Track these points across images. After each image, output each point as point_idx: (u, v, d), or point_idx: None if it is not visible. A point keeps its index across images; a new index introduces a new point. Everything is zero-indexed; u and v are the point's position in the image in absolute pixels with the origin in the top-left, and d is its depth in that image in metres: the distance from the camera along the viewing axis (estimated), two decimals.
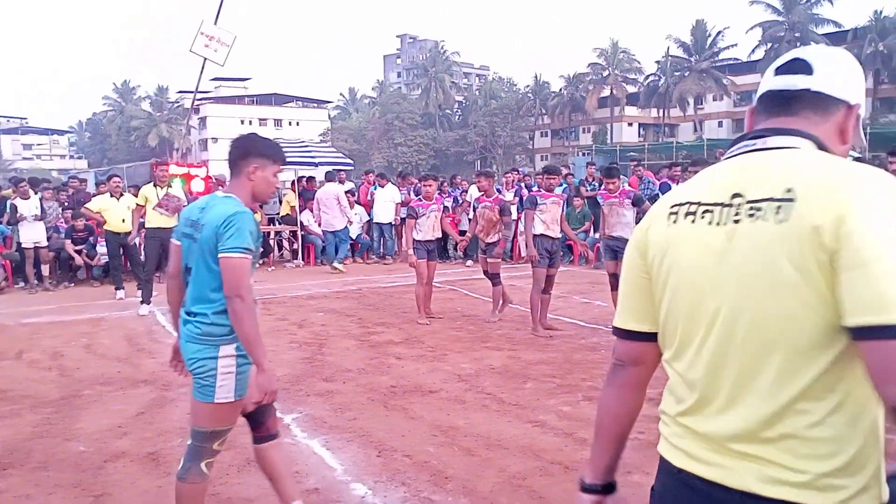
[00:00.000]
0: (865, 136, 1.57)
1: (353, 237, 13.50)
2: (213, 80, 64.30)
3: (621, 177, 7.96)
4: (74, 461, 3.96)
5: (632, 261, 1.41)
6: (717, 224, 1.22)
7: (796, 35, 48.16)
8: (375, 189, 13.94)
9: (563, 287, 8.77)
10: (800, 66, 1.30)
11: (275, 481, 2.98)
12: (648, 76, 58.17)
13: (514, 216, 12.00)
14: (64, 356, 6.48)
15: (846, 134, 1.30)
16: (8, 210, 10.71)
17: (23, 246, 10.74)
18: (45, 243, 10.97)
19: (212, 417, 2.71)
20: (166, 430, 4.42)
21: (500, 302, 7.97)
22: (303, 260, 13.54)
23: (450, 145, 61.88)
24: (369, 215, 13.99)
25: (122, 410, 4.83)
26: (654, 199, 10.07)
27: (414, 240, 7.77)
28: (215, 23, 12.02)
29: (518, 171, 15.08)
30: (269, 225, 13.46)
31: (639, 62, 58.92)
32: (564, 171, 12.78)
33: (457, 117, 69.55)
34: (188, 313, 2.73)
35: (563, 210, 7.42)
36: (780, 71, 1.33)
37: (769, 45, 49.67)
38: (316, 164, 13.93)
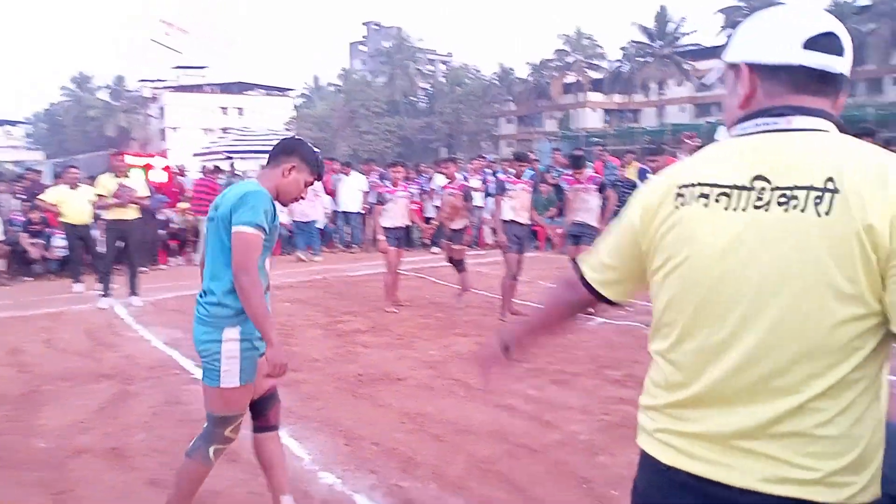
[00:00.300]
0: None
1: (320, 226, 13.39)
2: (173, 68, 63.07)
3: (587, 162, 8.02)
4: (36, 458, 3.88)
5: (629, 224, 1.32)
6: (736, 209, 1.14)
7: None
8: (340, 177, 13.83)
9: (529, 273, 8.80)
10: (835, 44, 1.19)
11: (268, 472, 2.97)
12: (612, 62, 58.51)
13: (480, 203, 12.02)
14: (23, 352, 6.33)
15: (839, 109, 1.23)
16: None
17: None
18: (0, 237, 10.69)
19: (219, 402, 2.72)
20: (129, 425, 4.35)
21: (460, 287, 8.02)
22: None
23: (415, 133, 61.59)
24: (335, 204, 13.88)
25: (84, 406, 4.73)
26: (616, 185, 10.17)
27: (382, 227, 7.74)
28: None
29: (484, 157, 15.09)
30: None
31: (602, 48, 59.25)
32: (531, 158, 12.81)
33: (422, 104, 69.24)
34: (201, 293, 2.74)
35: (531, 197, 7.45)
36: (813, 46, 1.18)
37: (731, 30, 50.29)
38: None
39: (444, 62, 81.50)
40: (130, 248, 8.43)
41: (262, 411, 2.94)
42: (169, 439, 4.09)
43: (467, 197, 7.92)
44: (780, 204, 1.08)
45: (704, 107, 56.20)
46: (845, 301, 1.03)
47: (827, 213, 1.03)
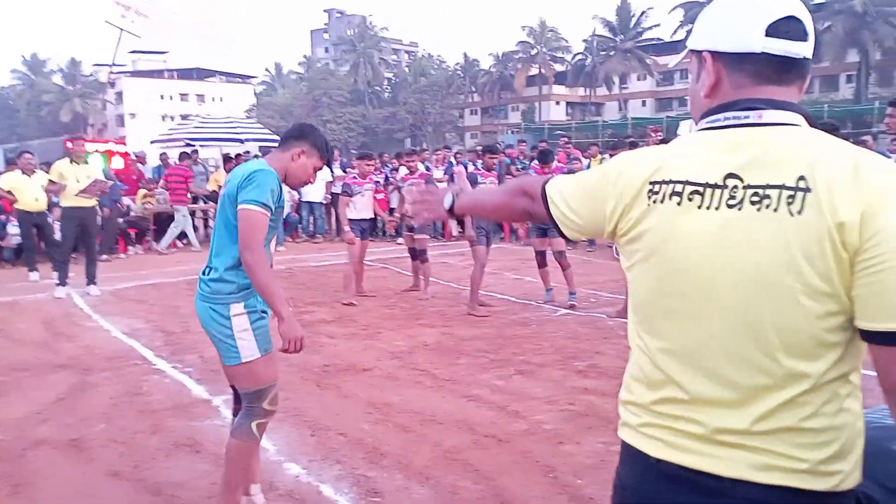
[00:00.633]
0: None
1: (283, 216, 13.25)
2: (130, 52, 61.59)
3: (553, 157, 8.08)
4: None
5: (602, 194, 1.30)
6: (709, 208, 1.13)
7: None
8: None
9: (494, 263, 8.85)
10: (797, 29, 1.16)
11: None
12: (576, 55, 58.93)
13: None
14: None
15: (801, 94, 1.22)
16: None
17: None
18: None
19: (248, 378, 2.72)
20: (88, 416, 4.26)
21: (424, 278, 8.03)
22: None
23: (379, 123, 61.26)
24: (298, 193, 13.74)
25: (42, 396, 4.62)
26: None
27: (347, 219, 7.68)
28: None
29: (449, 148, 15.08)
30: (195, 203, 13.06)
31: (566, 41, 59.63)
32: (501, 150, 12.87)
33: (386, 94, 68.87)
34: (205, 269, 2.73)
35: None
36: (775, 33, 1.16)
37: (691, 25, 50.94)
38: (242, 141, 13.59)
39: (408, 52, 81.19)
40: (88, 236, 8.23)
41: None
42: (129, 430, 4.02)
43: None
44: (752, 203, 1.08)
45: (666, 101, 57.02)
46: (821, 298, 1.04)
47: (799, 213, 1.04)
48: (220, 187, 13.19)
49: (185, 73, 69.13)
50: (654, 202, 1.20)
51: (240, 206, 2.59)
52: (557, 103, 61.00)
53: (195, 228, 13.05)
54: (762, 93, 1.16)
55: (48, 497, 3.25)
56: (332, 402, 4.44)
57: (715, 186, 1.13)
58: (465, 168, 10.85)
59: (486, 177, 7.27)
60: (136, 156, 14.09)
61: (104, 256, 11.10)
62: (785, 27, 1.15)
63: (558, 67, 59.55)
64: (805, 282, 1.04)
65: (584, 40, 57.66)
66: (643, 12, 55.63)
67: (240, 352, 2.68)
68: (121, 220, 11.99)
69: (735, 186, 1.11)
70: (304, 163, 2.80)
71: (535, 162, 8.47)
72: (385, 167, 14.27)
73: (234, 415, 2.98)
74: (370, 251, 8.64)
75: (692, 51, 1.29)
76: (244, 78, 75.24)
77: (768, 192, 1.07)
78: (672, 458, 1.18)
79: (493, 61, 61.42)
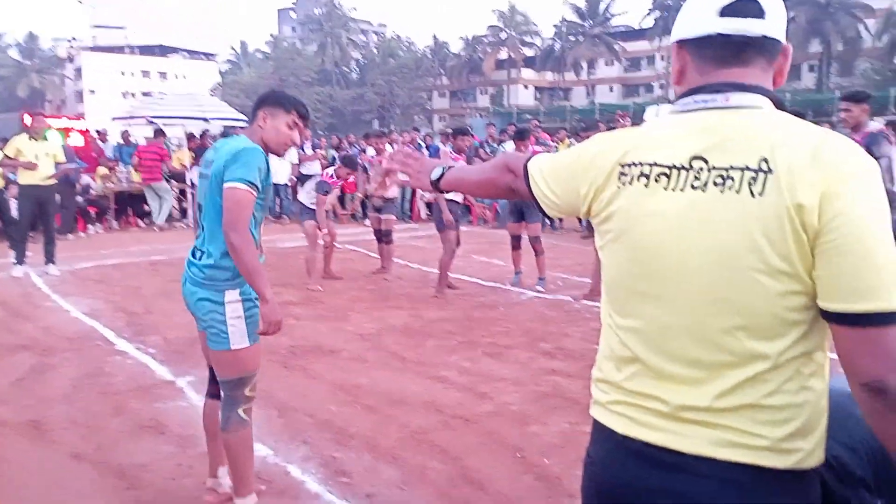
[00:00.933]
0: None
1: None
2: (90, 27, 59.91)
3: (530, 135, 8.08)
4: None
5: (576, 176, 1.32)
6: (675, 189, 1.15)
7: (683, 3, 49.85)
8: None
9: (462, 247, 8.83)
10: (752, 8, 1.17)
11: (213, 441, 2.94)
12: (545, 40, 58.97)
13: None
14: None
15: (781, 77, 1.23)
16: None
17: None
18: None
19: (234, 366, 2.69)
20: (49, 398, 4.17)
21: (388, 259, 8.01)
22: (193, 220, 13.00)
23: (347, 104, 60.65)
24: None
25: (0, 378, 4.52)
26: None
27: (305, 206, 7.59)
28: None
29: (418, 130, 15.02)
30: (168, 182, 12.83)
31: (536, 26, 59.60)
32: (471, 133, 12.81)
33: (354, 75, 68.17)
34: (194, 254, 2.68)
35: None
36: (727, 12, 1.17)
37: (659, 13, 51.34)
38: (207, 120, 13.32)
39: (377, 33, 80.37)
40: (46, 214, 8.02)
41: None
42: (91, 412, 3.95)
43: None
44: (716, 184, 1.10)
45: (633, 87, 57.44)
46: (781, 278, 1.06)
47: (760, 194, 1.06)
48: (183, 166, 12.97)
49: (147, 50, 67.54)
50: (624, 184, 1.22)
51: (226, 185, 2.53)
52: (526, 87, 61.07)
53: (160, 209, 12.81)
54: (727, 75, 1.18)
55: (8, 480, 3.18)
56: (300, 384, 4.42)
57: (681, 168, 1.15)
58: (437, 150, 10.81)
59: (457, 159, 7.23)
60: (98, 133, 13.73)
61: (70, 236, 10.87)
62: (739, 7, 1.16)
63: (527, 52, 59.55)
64: (765, 261, 1.06)
65: (554, 25, 57.74)
66: None
67: (230, 339, 2.65)
68: (80, 198, 11.70)
69: (700, 168, 1.13)
70: (273, 124, 2.72)
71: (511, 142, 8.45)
72: (352, 148, 14.17)
73: (210, 396, 2.95)
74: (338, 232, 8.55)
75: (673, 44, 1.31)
76: (208, 56, 73.81)
77: (731, 173, 1.09)
78: (638, 434, 1.20)
79: (462, 45, 61.18)
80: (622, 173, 1.22)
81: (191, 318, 6.28)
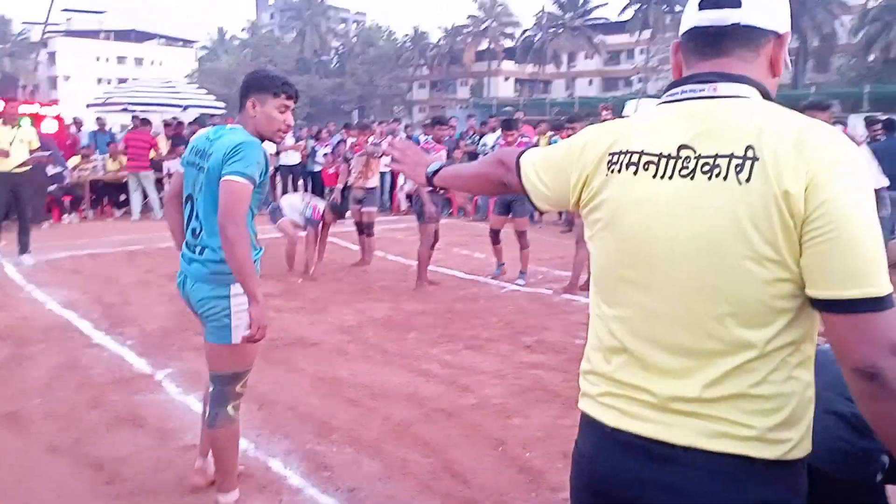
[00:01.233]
0: None
1: None
2: (64, 10, 58.81)
3: (518, 124, 8.06)
4: None
5: (566, 165, 1.33)
6: (663, 178, 1.16)
7: None
8: None
9: (442, 239, 8.81)
10: None
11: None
12: (525, 31, 58.96)
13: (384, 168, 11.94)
14: None
15: (777, 66, 1.23)
16: None
17: None
18: None
19: (231, 360, 2.66)
20: (25, 390, 4.11)
21: (368, 251, 8.00)
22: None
23: (326, 93, 60.18)
24: None
25: None
26: None
27: (281, 208, 7.54)
28: None
29: (398, 121, 14.95)
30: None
31: (516, 16, 59.56)
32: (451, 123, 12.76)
33: (333, 65, 67.68)
34: (195, 249, 2.63)
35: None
36: (705, 4, 1.22)
37: (638, 5, 51.53)
38: (184, 108, 13.17)
39: (356, 22, 79.79)
40: (20, 202, 7.88)
41: None
42: (68, 404, 3.91)
43: (377, 145, 7.92)
44: (703, 172, 1.11)
45: (612, 81, 57.68)
46: (768, 265, 1.07)
47: (747, 181, 1.07)
48: (159, 154, 12.79)
49: (123, 35, 66.47)
50: (613, 172, 1.23)
51: (224, 177, 2.49)
52: (506, 79, 61.07)
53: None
54: (709, 66, 1.20)
55: None
56: (280, 377, 4.39)
57: (669, 157, 1.16)
58: (417, 142, 10.76)
59: (437, 150, 7.19)
60: (74, 120, 13.49)
61: (45, 225, 10.70)
62: None
63: (508, 43, 59.52)
64: (752, 248, 1.07)
65: (535, 16, 57.76)
66: None
67: (232, 332, 2.62)
68: (54, 186, 11.51)
69: (688, 157, 1.14)
70: (262, 110, 2.66)
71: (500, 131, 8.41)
72: (332, 137, 14.07)
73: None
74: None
75: None
76: (185, 42, 72.85)
77: (718, 161, 1.10)
78: (627, 426, 1.21)
79: (442, 34, 60.97)
80: (610, 162, 1.23)
81: (169, 309, 6.24)
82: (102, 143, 13.07)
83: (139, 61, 65.32)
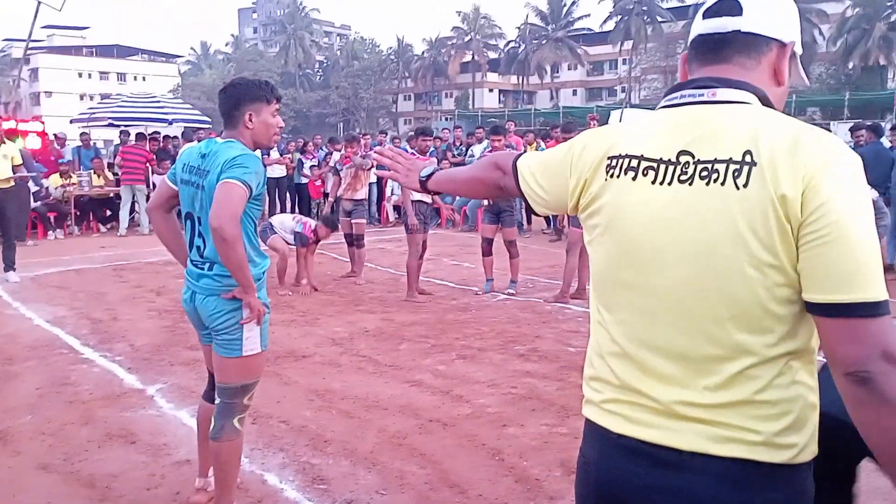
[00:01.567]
0: None
1: None
2: (45, 27, 58.50)
3: (506, 131, 8.09)
4: None
5: (564, 169, 1.33)
6: (662, 183, 1.16)
7: (644, 8, 50.77)
8: None
9: (432, 249, 8.82)
10: (728, 6, 1.21)
11: (204, 441, 2.89)
12: (508, 42, 59.36)
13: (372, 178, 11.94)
14: None
15: (781, 75, 1.23)
16: None
17: None
18: None
19: (241, 372, 2.66)
20: (14, 407, 4.04)
21: (359, 263, 7.97)
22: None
23: (311, 106, 60.25)
24: None
25: None
26: None
27: (272, 226, 7.50)
28: None
29: (385, 133, 14.96)
30: (118, 186, 12.55)
31: (500, 28, 59.98)
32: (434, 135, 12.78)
33: (318, 77, 67.76)
34: (203, 266, 2.63)
35: None
36: (708, 14, 1.23)
37: (619, 17, 52.04)
38: (170, 122, 13.11)
39: (340, 35, 80.00)
40: (5, 219, 7.78)
41: None
42: (58, 422, 3.85)
43: (365, 156, 7.91)
44: (702, 178, 1.11)
45: (596, 91, 58.11)
46: (766, 270, 1.06)
47: (745, 186, 1.06)
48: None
49: (105, 51, 66.23)
50: (612, 176, 1.23)
51: (222, 181, 2.48)
52: (491, 91, 61.39)
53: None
54: (710, 72, 1.21)
55: None
56: (273, 390, 4.35)
57: (668, 162, 1.16)
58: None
59: (422, 161, 7.17)
60: (56, 136, 13.39)
61: (30, 242, 10.59)
62: (717, 7, 1.21)
63: (492, 55, 59.87)
64: (750, 253, 1.06)
65: (517, 28, 58.16)
66: (574, 1, 56.43)
67: (243, 345, 2.62)
68: (39, 202, 11.40)
69: (687, 162, 1.14)
70: (259, 120, 2.66)
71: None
72: (318, 150, 14.05)
73: (207, 399, 2.91)
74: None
75: None
76: (168, 57, 72.67)
77: (717, 166, 1.10)
78: (632, 432, 1.20)
79: (426, 46, 61.23)
80: (609, 166, 1.23)
81: (158, 324, 6.20)
82: (87, 159, 12.97)
83: (122, 77, 65.10)
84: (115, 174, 12.71)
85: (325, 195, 10.99)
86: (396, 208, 12.76)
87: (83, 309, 6.51)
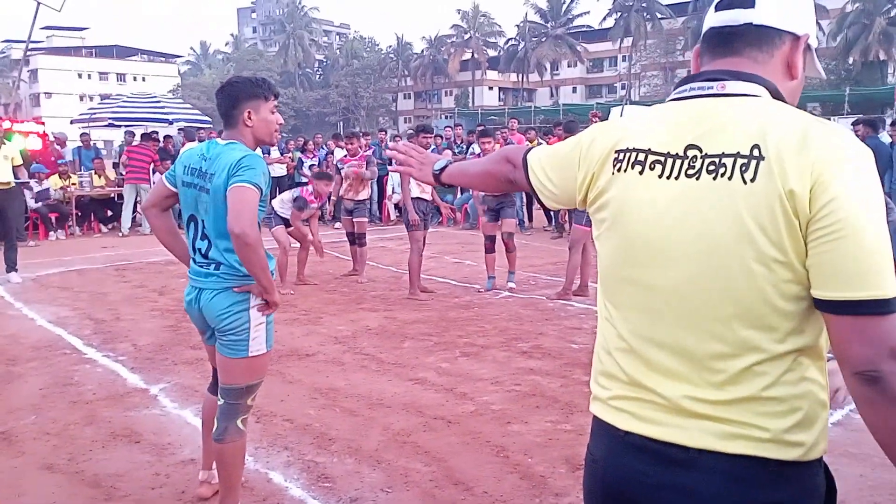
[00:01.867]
0: None
1: None
2: (44, 28, 58.50)
3: (494, 133, 8.08)
4: None
5: (573, 162, 1.32)
6: (669, 177, 1.14)
7: (643, 4, 50.73)
8: None
9: (434, 248, 8.85)
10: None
11: (209, 435, 2.88)
12: (508, 40, 59.32)
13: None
14: None
15: (794, 69, 1.20)
16: None
17: None
18: None
19: (246, 373, 2.66)
20: (17, 408, 4.04)
21: (361, 262, 7.96)
22: None
23: (311, 105, 60.24)
24: None
25: None
26: None
27: (276, 212, 7.47)
28: None
29: (385, 131, 14.97)
30: (121, 187, 12.54)
31: (500, 26, 59.95)
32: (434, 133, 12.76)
33: (317, 76, 67.75)
34: (208, 266, 2.62)
35: None
36: (720, 6, 1.22)
37: (619, 14, 51.99)
38: (170, 122, 13.11)
39: (339, 34, 79.96)
40: (6, 219, 7.78)
41: None
42: (62, 422, 3.84)
43: (370, 163, 7.91)
44: (709, 172, 1.09)
45: (595, 88, 58.09)
46: (773, 266, 1.04)
47: (752, 180, 1.05)
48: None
49: (105, 51, 66.24)
50: (619, 170, 1.21)
51: (233, 185, 2.47)
52: (490, 88, 61.38)
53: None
54: (718, 65, 1.19)
55: None
56: (277, 388, 4.35)
57: (676, 156, 1.14)
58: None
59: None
60: (56, 137, 13.38)
61: (31, 243, 10.60)
62: (729, 0, 1.20)
63: (491, 53, 59.84)
64: (757, 249, 1.05)
65: (517, 25, 58.13)
66: None
67: (249, 345, 2.62)
68: (39, 203, 11.40)
69: (694, 156, 1.12)
70: (258, 118, 2.65)
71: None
72: (320, 150, 14.05)
73: (211, 389, 2.91)
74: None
75: None
76: (168, 57, 72.69)
77: (724, 160, 1.08)
78: (639, 429, 1.18)
79: (425, 45, 61.20)
80: (616, 160, 1.22)
81: (161, 323, 6.20)
82: (87, 160, 12.97)
83: (122, 77, 65.15)
84: (120, 174, 12.71)
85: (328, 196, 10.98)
86: (398, 207, 12.75)
87: (86, 309, 6.52)
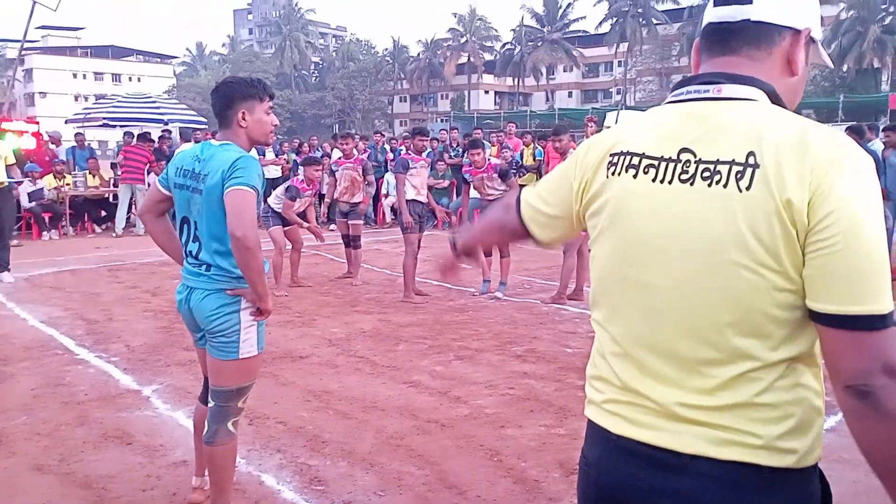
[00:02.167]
0: None
1: None
2: (39, 28, 58.35)
3: (484, 144, 8.08)
4: None
5: (567, 178, 1.32)
6: (662, 182, 1.13)
7: (639, 10, 50.92)
8: None
9: (428, 250, 8.81)
10: None
11: (200, 441, 2.85)
12: (504, 44, 59.47)
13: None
14: None
15: (795, 65, 1.17)
16: None
17: None
18: None
19: (237, 375, 2.64)
20: (8, 408, 4.02)
21: (356, 264, 7.95)
22: None
23: (307, 107, 60.21)
24: None
25: None
26: (518, 168, 10.38)
27: (273, 209, 7.46)
28: None
29: (382, 134, 14.97)
30: (116, 187, 12.51)
31: (496, 30, 60.09)
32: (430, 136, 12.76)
33: (313, 79, 67.72)
34: (200, 267, 2.61)
35: (427, 174, 7.43)
36: (718, 1, 1.17)
37: (615, 19, 52.17)
38: (166, 122, 13.08)
39: (336, 36, 79.99)
40: (0, 219, 7.74)
41: None
42: (53, 422, 3.82)
43: (366, 171, 7.88)
44: (704, 178, 1.08)
45: (591, 93, 58.24)
46: (768, 275, 1.03)
47: (748, 189, 1.03)
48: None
49: (100, 51, 66.11)
50: (613, 174, 1.19)
51: (229, 189, 2.45)
52: (486, 92, 61.47)
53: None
54: (716, 65, 1.17)
55: None
56: (270, 390, 4.33)
57: (669, 160, 1.12)
58: (398, 153, 10.76)
59: (417, 160, 7.12)
60: (50, 136, 13.34)
61: (14, 241, 10.53)
62: None
63: (487, 57, 59.95)
64: (753, 257, 1.03)
65: (513, 29, 58.26)
66: (569, 3, 56.57)
67: (240, 347, 2.60)
68: (33, 202, 11.36)
69: (688, 161, 1.10)
70: (252, 119, 2.64)
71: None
72: (315, 151, 14.03)
73: (203, 401, 2.89)
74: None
75: None
76: (164, 58, 72.57)
77: (719, 167, 1.06)
78: (632, 433, 1.17)
79: (421, 48, 61.27)
80: (610, 163, 1.20)
81: (153, 324, 6.17)
82: (81, 160, 12.93)
83: (117, 77, 65.03)
84: (117, 174, 12.68)
85: (321, 196, 10.95)
86: (393, 209, 12.74)
87: (78, 309, 6.49)
